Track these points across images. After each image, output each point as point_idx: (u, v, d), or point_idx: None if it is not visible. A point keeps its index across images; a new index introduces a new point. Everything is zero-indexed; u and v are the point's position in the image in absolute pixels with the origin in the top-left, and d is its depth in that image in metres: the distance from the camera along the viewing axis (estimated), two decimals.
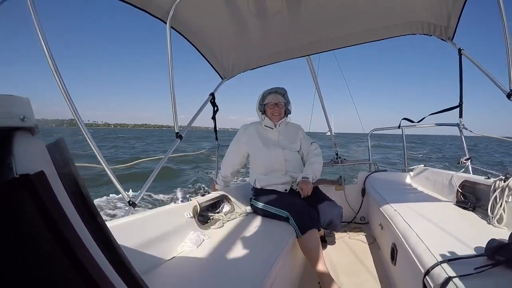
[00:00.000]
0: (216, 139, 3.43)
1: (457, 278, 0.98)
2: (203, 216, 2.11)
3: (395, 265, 1.88)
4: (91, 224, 0.45)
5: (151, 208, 2.25)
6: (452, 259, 1.11)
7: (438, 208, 2.04)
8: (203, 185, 9.65)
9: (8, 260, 0.36)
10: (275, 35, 2.93)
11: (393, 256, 1.90)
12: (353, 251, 2.66)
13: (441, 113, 3.04)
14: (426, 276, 1.12)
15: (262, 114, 2.50)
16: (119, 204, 6.89)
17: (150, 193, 7.86)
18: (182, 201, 1.96)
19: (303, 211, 2.02)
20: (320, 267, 1.91)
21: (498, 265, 1.01)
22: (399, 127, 3.53)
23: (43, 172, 0.39)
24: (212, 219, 2.14)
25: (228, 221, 2.16)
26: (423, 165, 3.21)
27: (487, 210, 1.63)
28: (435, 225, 1.61)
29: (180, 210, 1.88)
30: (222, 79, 3.39)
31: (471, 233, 1.44)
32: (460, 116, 2.84)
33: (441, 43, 2.72)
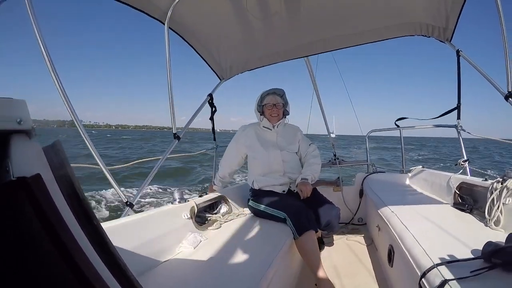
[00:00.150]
0: (214, 140, 3.44)
1: (453, 281, 0.98)
2: (201, 217, 2.10)
3: (392, 266, 1.89)
4: (87, 227, 0.45)
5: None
6: (448, 262, 1.11)
7: (436, 210, 2.04)
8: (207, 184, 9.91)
9: (4, 263, 0.36)
10: (273, 36, 2.93)
11: (390, 258, 1.90)
12: (350, 252, 2.66)
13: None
14: (423, 279, 1.12)
15: (260, 115, 2.50)
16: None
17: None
18: (179, 202, 1.95)
19: (301, 212, 2.02)
20: (317, 268, 1.91)
21: (495, 268, 1.01)
22: (397, 125, 3.52)
23: (40, 175, 0.39)
24: (210, 220, 2.14)
25: (225, 222, 2.17)
26: (421, 167, 3.21)
27: (484, 212, 1.63)
28: (432, 227, 1.62)
29: (177, 211, 1.88)
30: (220, 80, 3.39)
31: (468, 235, 1.45)
32: (458, 117, 2.84)
33: (440, 44, 2.73)
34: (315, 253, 1.95)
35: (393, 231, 1.74)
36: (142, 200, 7.47)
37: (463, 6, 2.34)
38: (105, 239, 0.49)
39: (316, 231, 2.05)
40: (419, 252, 1.29)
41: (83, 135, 1.81)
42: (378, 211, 2.24)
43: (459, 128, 2.85)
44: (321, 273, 1.89)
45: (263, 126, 2.48)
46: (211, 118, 3.27)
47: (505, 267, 1.01)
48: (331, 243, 2.71)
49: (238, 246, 1.69)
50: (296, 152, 2.51)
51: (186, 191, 8.40)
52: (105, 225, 1.38)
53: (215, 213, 2.30)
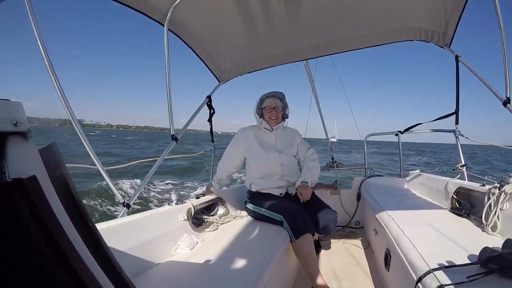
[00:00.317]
0: (212, 141, 3.43)
1: (449, 286, 0.98)
2: (197, 219, 2.10)
3: (388, 270, 1.88)
4: (83, 228, 0.45)
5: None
6: (444, 267, 1.11)
7: (433, 214, 2.04)
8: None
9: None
10: (272, 39, 2.94)
11: (387, 262, 1.89)
12: (347, 255, 2.66)
13: (439, 120, 3.05)
14: (419, 283, 1.12)
15: (260, 117, 2.50)
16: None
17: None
18: (176, 203, 1.95)
19: (298, 215, 2.02)
20: (314, 271, 1.91)
21: (491, 274, 1.01)
22: (396, 135, 3.53)
23: (35, 176, 0.39)
24: (207, 221, 2.13)
25: (222, 224, 2.16)
26: (418, 171, 3.22)
27: (481, 217, 1.63)
28: (429, 232, 1.62)
29: (174, 212, 1.87)
30: (219, 82, 3.39)
31: (464, 240, 1.45)
32: (456, 122, 2.85)
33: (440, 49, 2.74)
34: (312, 256, 1.95)
35: (390, 235, 1.74)
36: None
37: (462, 11, 2.35)
38: (100, 241, 0.49)
39: (313, 234, 2.05)
40: (415, 257, 1.28)
41: (80, 135, 1.81)
42: (375, 214, 2.24)
43: (457, 133, 2.85)
44: (317, 277, 1.89)
45: (263, 128, 2.48)
46: (210, 120, 3.27)
47: (501, 273, 1.01)
48: (328, 246, 2.71)
49: (235, 248, 1.68)
50: (295, 156, 2.51)
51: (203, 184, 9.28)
52: (101, 226, 1.38)
53: (212, 215, 2.29)
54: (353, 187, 3.56)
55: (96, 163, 1.87)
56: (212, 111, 3.23)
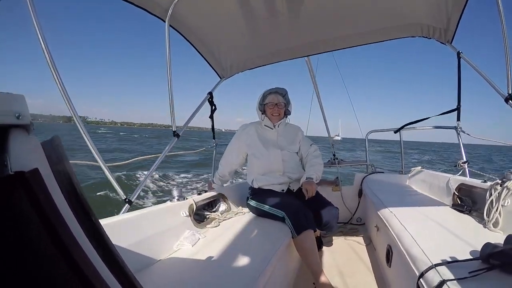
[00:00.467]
0: (214, 138, 3.43)
1: (451, 281, 0.98)
2: (199, 215, 2.11)
3: (390, 267, 1.89)
4: (86, 223, 0.45)
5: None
6: (446, 262, 1.11)
7: (434, 210, 2.04)
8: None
9: (1, 257, 0.36)
10: (274, 35, 2.93)
11: (388, 258, 1.90)
12: (349, 252, 2.66)
13: (441, 116, 3.04)
14: (421, 279, 1.12)
15: (262, 114, 2.49)
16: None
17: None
18: (178, 200, 1.95)
19: (299, 211, 2.02)
20: (315, 267, 1.91)
21: (493, 269, 1.01)
22: (396, 131, 3.53)
23: (38, 169, 0.39)
24: (208, 218, 2.14)
25: (224, 220, 2.17)
26: (420, 167, 3.21)
27: (483, 213, 1.63)
28: (430, 228, 1.62)
29: (176, 208, 1.88)
30: (220, 78, 3.39)
31: (466, 236, 1.44)
32: (458, 119, 2.84)
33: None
34: (313, 252, 1.95)
35: (391, 231, 1.73)
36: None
37: (464, 8, 2.34)
38: (104, 235, 0.49)
39: (315, 231, 2.05)
40: (417, 252, 1.28)
41: (82, 132, 1.81)
42: (377, 211, 2.23)
43: (459, 129, 2.85)
44: (319, 273, 1.90)
45: (264, 125, 2.48)
46: (211, 117, 3.27)
47: (503, 268, 1.01)
48: (329, 243, 2.71)
49: (237, 244, 1.69)
50: (297, 152, 2.51)
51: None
52: (103, 222, 1.38)
53: (214, 211, 2.30)
54: (355, 183, 3.56)
55: (98, 159, 1.87)
56: (213, 107, 3.23)
